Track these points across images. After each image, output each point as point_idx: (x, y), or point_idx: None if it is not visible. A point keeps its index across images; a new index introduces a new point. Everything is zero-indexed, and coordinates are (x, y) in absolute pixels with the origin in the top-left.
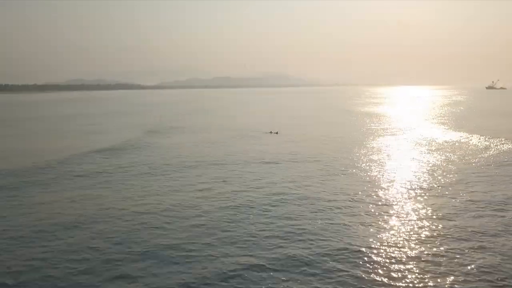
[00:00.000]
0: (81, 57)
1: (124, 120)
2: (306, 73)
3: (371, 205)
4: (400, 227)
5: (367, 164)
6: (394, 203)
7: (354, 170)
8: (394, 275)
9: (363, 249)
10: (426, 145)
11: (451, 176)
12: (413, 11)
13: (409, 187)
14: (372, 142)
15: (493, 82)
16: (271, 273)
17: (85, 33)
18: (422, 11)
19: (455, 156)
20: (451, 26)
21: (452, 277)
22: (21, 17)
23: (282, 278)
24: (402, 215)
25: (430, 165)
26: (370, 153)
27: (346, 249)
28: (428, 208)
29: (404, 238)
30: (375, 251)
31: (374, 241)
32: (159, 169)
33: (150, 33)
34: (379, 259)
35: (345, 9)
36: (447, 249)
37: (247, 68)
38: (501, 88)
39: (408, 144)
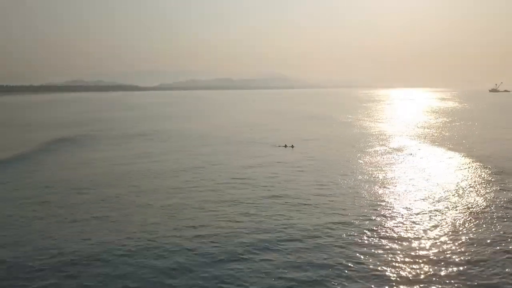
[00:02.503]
0: (81, 58)
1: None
2: (308, 75)
3: None
4: None
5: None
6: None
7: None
8: None
9: None
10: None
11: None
12: (418, 11)
13: None
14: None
15: (496, 84)
16: None
17: (86, 33)
18: (427, 12)
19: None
20: (455, 28)
21: None
22: (23, 16)
23: None
24: None
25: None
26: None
27: None
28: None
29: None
30: None
31: None
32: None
33: (151, 34)
34: None
35: (346, 11)
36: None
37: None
38: (505, 91)
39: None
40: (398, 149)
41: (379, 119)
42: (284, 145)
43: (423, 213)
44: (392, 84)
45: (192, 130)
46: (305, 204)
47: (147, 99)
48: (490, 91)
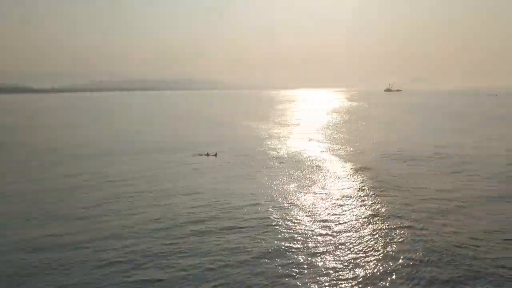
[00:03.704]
0: None
1: None
2: (218, 77)
3: None
4: None
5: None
6: None
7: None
8: None
9: None
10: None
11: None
12: (319, 15)
13: None
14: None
15: (390, 84)
16: None
17: None
18: (336, 12)
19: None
20: (360, 30)
21: None
22: None
23: None
24: None
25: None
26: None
27: None
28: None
29: None
30: None
31: None
32: None
33: (49, 31)
34: None
35: (250, 15)
36: None
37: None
38: (397, 90)
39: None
40: (301, 151)
41: (283, 120)
42: (206, 153)
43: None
44: (298, 85)
45: (87, 138)
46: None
47: (38, 103)
48: (385, 90)
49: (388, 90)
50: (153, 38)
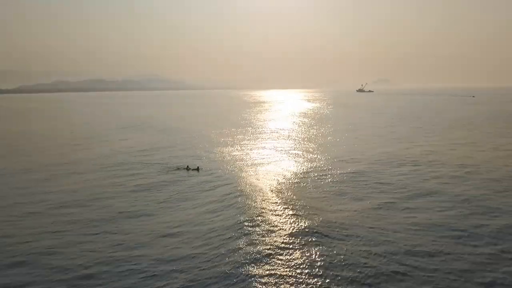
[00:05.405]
0: None
1: None
2: (186, 76)
3: None
4: None
5: None
6: None
7: None
8: None
9: None
10: None
11: None
12: (292, 17)
13: None
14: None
15: (362, 85)
16: None
17: None
18: (299, 17)
19: None
20: (335, 32)
21: None
22: None
23: None
24: None
25: None
26: None
27: None
28: None
29: None
30: None
31: None
32: None
33: (10, 28)
34: None
35: (223, 14)
36: None
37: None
38: (369, 91)
39: None
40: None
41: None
42: (186, 167)
43: None
44: (269, 85)
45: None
46: None
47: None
48: (357, 91)
49: (360, 90)
50: (121, 38)
